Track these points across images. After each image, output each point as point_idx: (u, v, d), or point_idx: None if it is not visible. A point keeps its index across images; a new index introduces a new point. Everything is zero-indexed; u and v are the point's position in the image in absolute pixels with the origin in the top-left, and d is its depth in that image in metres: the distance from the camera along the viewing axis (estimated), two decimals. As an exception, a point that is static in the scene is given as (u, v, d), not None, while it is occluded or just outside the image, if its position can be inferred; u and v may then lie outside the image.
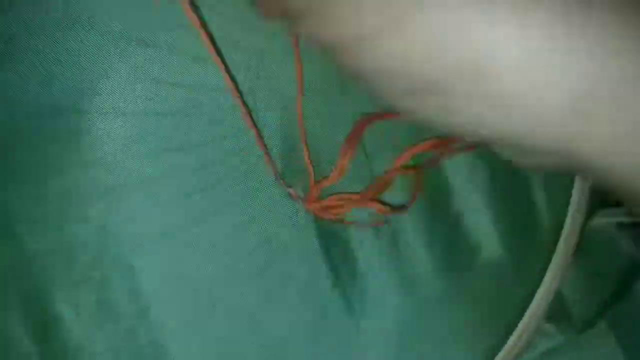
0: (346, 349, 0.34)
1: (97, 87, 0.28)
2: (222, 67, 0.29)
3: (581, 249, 0.37)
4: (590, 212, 0.37)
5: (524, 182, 0.36)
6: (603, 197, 0.40)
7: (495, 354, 0.36)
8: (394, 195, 0.34)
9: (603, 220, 0.40)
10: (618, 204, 0.40)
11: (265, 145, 0.31)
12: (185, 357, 0.31)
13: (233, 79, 0.30)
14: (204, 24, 0.28)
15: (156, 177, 0.30)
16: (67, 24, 0.27)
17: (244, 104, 0.30)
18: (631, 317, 0.37)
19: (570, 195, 0.36)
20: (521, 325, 0.36)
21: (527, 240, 0.36)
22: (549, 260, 0.36)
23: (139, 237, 0.30)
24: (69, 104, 0.28)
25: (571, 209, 0.36)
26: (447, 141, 0.34)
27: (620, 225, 0.39)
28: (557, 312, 0.38)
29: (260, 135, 0.31)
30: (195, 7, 0.28)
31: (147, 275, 0.30)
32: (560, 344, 0.38)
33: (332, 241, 0.34)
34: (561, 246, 0.36)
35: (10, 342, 0.29)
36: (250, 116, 0.31)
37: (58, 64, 0.28)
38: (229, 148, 0.31)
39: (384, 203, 0.34)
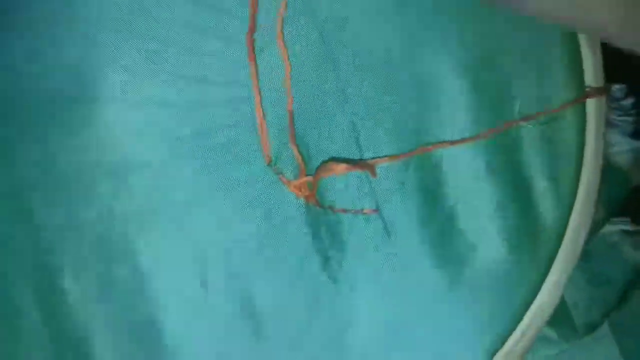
0: (337, 333, 0.34)
1: (106, 75, 0.30)
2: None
3: (584, 255, 0.36)
4: (606, 214, 0.36)
5: (525, 173, 0.35)
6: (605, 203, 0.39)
7: (494, 353, 0.35)
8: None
9: (606, 227, 0.39)
10: (621, 212, 0.40)
11: (266, 131, 0.32)
12: (180, 334, 0.31)
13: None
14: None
15: (160, 161, 0.31)
16: (79, 15, 0.29)
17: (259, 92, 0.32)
18: (633, 323, 0.36)
19: (577, 186, 0.35)
20: (521, 326, 0.35)
21: (529, 236, 0.35)
22: (553, 258, 0.35)
23: (143, 217, 0.31)
24: (80, 90, 0.30)
25: (579, 201, 0.35)
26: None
27: (623, 233, 0.39)
28: (558, 317, 0.37)
29: (264, 118, 0.32)
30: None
31: (147, 254, 0.31)
32: (562, 349, 0.37)
33: (322, 227, 0.33)
34: (567, 243, 0.35)
35: (18, 311, 0.30)
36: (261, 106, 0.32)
37: (69, 53, 0.29)
38: (228, 137, 0.32)
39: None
